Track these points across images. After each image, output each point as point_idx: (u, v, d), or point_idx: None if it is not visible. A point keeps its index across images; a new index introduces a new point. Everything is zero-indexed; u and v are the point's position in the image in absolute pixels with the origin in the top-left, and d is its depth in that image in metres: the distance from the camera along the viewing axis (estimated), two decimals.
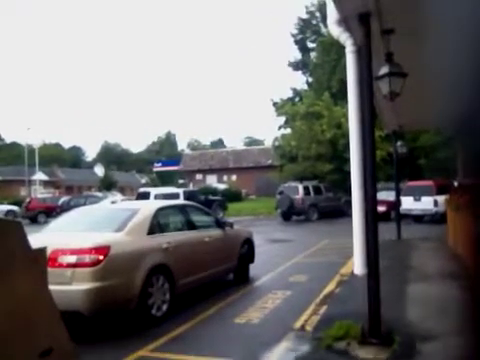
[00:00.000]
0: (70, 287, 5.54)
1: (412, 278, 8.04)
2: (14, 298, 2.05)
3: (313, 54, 42.92)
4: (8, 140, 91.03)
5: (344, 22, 5.98)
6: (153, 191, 25.01)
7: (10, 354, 2.00)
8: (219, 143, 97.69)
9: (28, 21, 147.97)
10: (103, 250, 5.77)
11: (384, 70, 5.96)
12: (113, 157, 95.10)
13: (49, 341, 2.20)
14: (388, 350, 4.60)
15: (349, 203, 7.83)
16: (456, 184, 16.74)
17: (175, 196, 23.24)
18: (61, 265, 5.62)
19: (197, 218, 8.39)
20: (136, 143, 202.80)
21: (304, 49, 44.67)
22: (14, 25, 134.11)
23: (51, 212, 29.63)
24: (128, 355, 5.11)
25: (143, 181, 72.61)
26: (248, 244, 9.46)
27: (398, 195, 15.17)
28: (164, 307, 6.53)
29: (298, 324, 5.99)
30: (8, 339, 1.99)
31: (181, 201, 17.42)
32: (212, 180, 50.56)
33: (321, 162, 28.74)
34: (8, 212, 30.88)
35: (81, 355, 2.42)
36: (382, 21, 5.57)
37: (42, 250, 2.41)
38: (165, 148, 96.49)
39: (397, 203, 15.07)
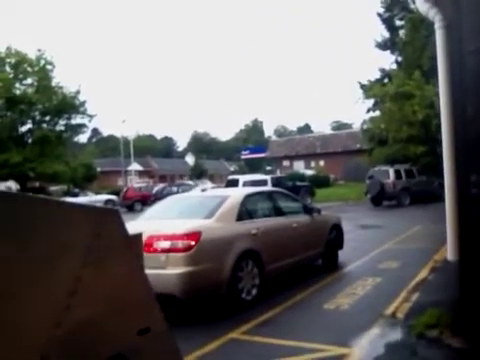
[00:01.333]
0: (165, 271, 5.83)
1: None
2: (113, 281, 2.23)
3: (402, 32, 41.03)
4: (105, 133, 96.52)
5: None
6: (241, 178, 25.36)
7: (110, 332, 2.19)
8: (306, 128, 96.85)
9: (124, 18, 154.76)
10: (195, 236, 6.02)
11: (477, 44, 5.61)
12: (202, 146, 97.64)
13: (146, 321, 2.37)
14: None
15: (443, 186, 7.46)
16: None
17: (263, 183, 23.43)
18: (156, 250, 5.93)
19: (284, 204, 8.45)
20: (224, 131, 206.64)
21: (392, 28, 42.78)
22: (109, 21, 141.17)
23: (146, 200, 31.04)
24: (220, 337, 5.31)
25: (231, 169, 73.86)
26: (336, 230, 9.38)
27: None
28: (254, 291, 6.68)
29: (389, 311, 5.89)
30: (108, 318, 2.18)
31: (268, 187, 17.56)
32: (299, 166, 50.28)
33: (413, 144, 27.49)
34: (107, 201, 32.76)
35: (176, 335, 2.59)
36: None
37: (138, 236, 2.59)
38: (252, 135, 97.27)
39: None
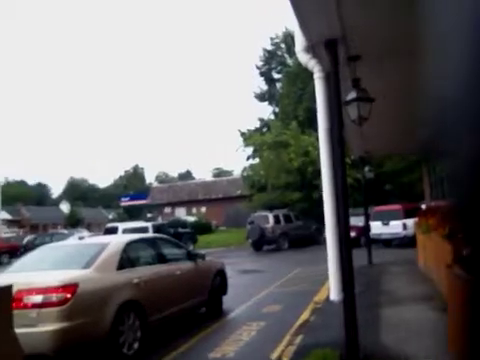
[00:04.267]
0: (35, 329, 5.28)
1: (386, 302, 8.02)
2: None
3: (279, 85, 43.64)
4: None
5: (312, 49, 6.09)
6: (121, 226, 24.56)
7: None
8: (187, 175, 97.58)
9: None
10: (71, 288, 5.56)
11: (352, 95, 6.06)
12: (79, 193, 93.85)
13: None
14: None
15: (319, 230, 7.85)
16: (424, 207, 17.03)
17: (144, 230, 22.85)
18: (26, 306, 5.37)
19: (168, 251, 8.24)
20: (103, 178, 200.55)
21: (270, 80, 45.37)
22: None
23: (15, 252, 28.70)
24: None
25: (110, 216, 71.59)
26: (220, 276, 9.31)
27: (367, 220, 15.29)
28: (135, 345, 6.30)
29: (275, 355, 5.85)
30: None
31: (151, 234, 17.14)
32: (181, 213, 50.14)
33: (290, 191, 28.90)
34: None
35: None
36: (348, 47, 5.69)
37: (7, 289, 2.27)
38: (133, 182, 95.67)
39: (367, 228, 15.17)
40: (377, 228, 19.70)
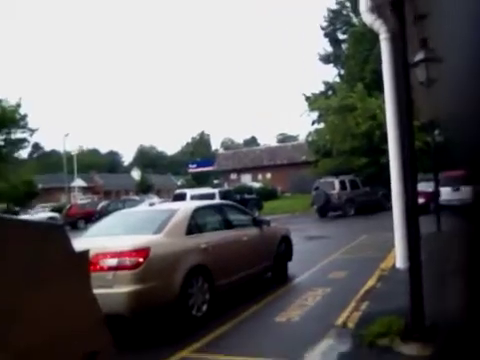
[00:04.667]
0: (112, 290, 5.61)
1: (454, 270, 7.82)
2: (58, 302, 2.08)
3: (344, 46, 42.31)
4: (47, 148, 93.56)
5: (377, 9, 5.86)
6: (189, 192, 25.20)
7: (56, 358, 2.03)
8: (252, 141, 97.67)
9: (66, 27, 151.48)
10: (143, 252, 5.83)
11: (420, 56, 5.81)
12: (149, 160, 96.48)
13: (93, 344, 2.22)
14: (432, 345, 4.49)
15: (386, 196, 7.69)
16: None
17: (211, 196, 23.35)
18: (102, 268, 5.70)
19: (234, 217, 8.39)
20: (171, 145, 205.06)
21: (335, 41, 44.06)
22: (50, 31, 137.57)
23: (90, 217, 30.21)
24: (170, 356, 5.15)
25: (179, 183, 73.31)
26: (286, 242, 9.41)
27: (437, 186, 14.77)
28: (204, 307, 6.55)
29: (339, 321, 5.91)
30: (53, 342, 2.02)
31: (218, 200, 17.48)
32: (247, 179, 50.51)
33: (356, 156, 28.27)
34: (49, 219, 31.66)
35: (124, 357, 2.45)
36: (416, 6, 5.43)
37: (85, 253, 2.44)
38: (199, 149, 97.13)
39: (436, 194, 14.68)
40: (447, 194, 19.00)
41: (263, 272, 8.73)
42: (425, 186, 19.70)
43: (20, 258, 1.87)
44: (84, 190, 59.81)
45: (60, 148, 54.33)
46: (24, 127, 33.19)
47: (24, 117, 32.86)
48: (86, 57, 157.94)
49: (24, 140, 34.34)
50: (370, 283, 7.87)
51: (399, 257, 7.45)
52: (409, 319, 4.71)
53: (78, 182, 53.18)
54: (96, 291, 3.09)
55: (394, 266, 8.16)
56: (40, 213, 34.77)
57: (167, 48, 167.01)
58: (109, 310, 5.05)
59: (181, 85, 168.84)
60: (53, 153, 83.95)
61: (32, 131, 33.92)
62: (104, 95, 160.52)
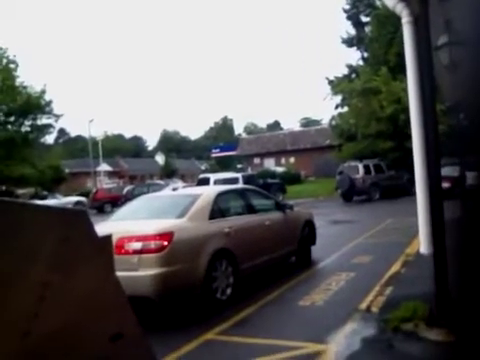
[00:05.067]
0: (137, 273, 5.71)
1: None
2: (83, 286, 2.13)
3: (367, 28, 41.55)
4: (72, 134, 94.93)
5: None
6: (213, 177, 25.27)
7: (81, 340, 2.09)
8: (275, 125, 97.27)
9: (88, 15, 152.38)
10: (167, 236, 5.91)
11: (443, 39, 5.67)
12: (173, 145, 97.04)
13: (119, 326, 2.27)
14: (458, 331, 4.46)
15: (412, 181, 7.56)
16: None
17: (234, 181, 23.38)
18: (127, 252, 5.80)
19: (257, 202, 8.41)
20: (194, 130, 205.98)
21: (358, 24, 43.27)
22: (75, 17, 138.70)
23: (116, 201, 30.64)
24: (195, 339, 5.22)
25: (202, 167, 73.65)
26: (309, 226, 9.40)
27: (463, 170, 14.51)
28: (228, 291, 6.61)
29: (364, 305, 5.91)
30: (79, 325, 2.07)
31: (241, 185, 17.52)
32: (270, 163, 50.44)
33: (381, 139, 27.89)
34: (77, 203, 32.22)
35: (151, 339, 2.50)
36: None
37: (108, 237, 2.48)
38: (222, 133, 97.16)
39: (462, 178, 14.43)
40: (473, 178, 18.65)
41: (287, 256, 8.75)
42: (450, 171, 19.33)
43: (44, 243, 1.91)
44: (110, 174, 60.56)
45: (85, 133, 54.96)
46: (49, 113, 33.66)
47: (49, 103, 33.31)
48: (110, 43, 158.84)
49: (50, 126, 34.86)
50: (395, 268, 7.83)
51: (423, 242, 7.38)
52: (434, 305, 4.68)
53: (104, 167, 53.88)
54: (122, 274, 3.15)
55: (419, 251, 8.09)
56: (68, 197, 35.38)
57: (191, 32, 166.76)
58: (135, 293, 5.16)
59: (204, 70, 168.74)
60: (79, 138, 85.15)
61: (57, 117, 34.38)
62: (128, 80, 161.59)
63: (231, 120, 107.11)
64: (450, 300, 4.60)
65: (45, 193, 36.43)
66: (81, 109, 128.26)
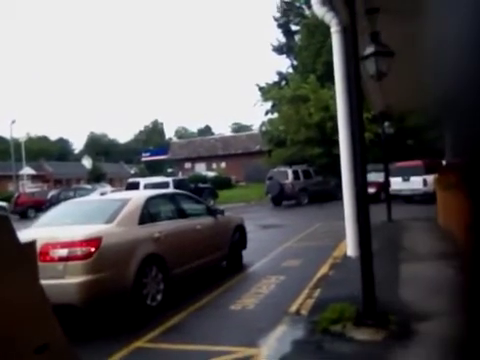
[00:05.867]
0: (63, 281, 5.49)
1: (405, 259, 8.09)
2: (4, 294, 2.00)
3: (297, 37, 42.67)
4: None
5: (329, 1, 5.92)
6: (142, 181, 24.86)
7: (5, 352, 1.96)
8: (207, 130, 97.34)
9: (12, 13, 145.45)
10: (95, 242, 5.72)
11: (370, 49, 5.92)
12: (100, 148, 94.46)
13: (44, 337, 2.16)
14: (384, 331, 4.63)
15: (339, 186, 7.85)
16: (444, 163, 16.83)
17: (164, 185, 23.11)
18: (53, 259, 5.56)
19: (188, 206, 8.36)
20: (123, 133, 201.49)
21: (288, 32, 44.36)
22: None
23: (40, 206, 29.36)
24: (125, 347, 5.08)
25: (132, 171, 72.27)
26: (240, 231, 9.45)
27: (387, 176, 15.19)
28: (159, 297, 6.50)
29: (293, 308, 6.01)
30: (2, 338, 1.94)
31: (171, 190, 17.34)
32: (201, 168, 50.38)
33: (310, 146, 28.67)
34: None
35: (76, 349, 2.39)
36: (367, 0, 5.52)
37: (31, 244, 2.36)
38: (153, 137, 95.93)
39: (386, 184, 15.10)
40: (397, 184, 19.58)
41: (218, 261, 8.74)
42: (376, 176, 20.24)
43: None
44: (33, 178, 57.95)
45: (7, 135, 52.34)
46: None
47: None
48: (34, 39, 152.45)
49: None
50: (323, 271, 8.03)
51: (350, 245, 7.65)
52: (361, 305, 4.83)
53: (27, 170, 51.43)
54: (47, 282, 3.00)
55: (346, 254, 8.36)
56: None
57: (122, 32, 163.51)
58: (61, 301, 4.95)
59: (135, 71, 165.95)
60: (0, 140, 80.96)
61: None
62: (54, 79, 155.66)
63: (162, 124, 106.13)
64: (376, 300, 4.77)
65: None
66: (2, 109, 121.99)
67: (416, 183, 19.47)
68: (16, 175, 46.02)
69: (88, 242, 5.69)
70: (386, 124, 16.61)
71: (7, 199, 34.94)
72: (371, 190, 18.81)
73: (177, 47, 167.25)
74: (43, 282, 2.41)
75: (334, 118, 7.25)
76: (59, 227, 6.52)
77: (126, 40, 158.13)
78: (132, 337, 5.35)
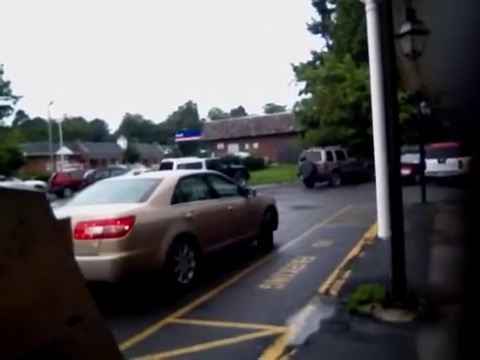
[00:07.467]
0: (97, 257, 5.64)
1: (437, 241, 7.97)
2: (40, 269, 2.10)
3: (333, 16, 41.87)
4: (32, 116, 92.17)
5: None
6: (176, 161, 25.10)
7: (40, 323, 2.06)
8: (240, 111, 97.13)
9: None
10: (128, 220, 5.85)
11: (406, 28, 5.78)
12: (135, 129, 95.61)
13: (77, 310, 2.25)
14: (412, 313, 4.61)
15: (372, 167, 7.76)
16: None
17: (197, 166, 23.30)
18: (88, 236, 5.71)
19: (220, 186, 8.41)
20: (157, 114, 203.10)
21: (323, 11, 43.57)
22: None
23: (76, 186, 29.96)
24: (156, 322, 5.21)
25: (166, 152, 72.97)
26: (271, 211, 9.47)
27: (423, 157, 14.90)
28: (190, 275, 6.62)
29: (323, 289, 6.03)
30: (37, 309, 2.04)
31: (203, 170, 17.47)
32: (234, 149, 50.45)
33: (344, 126, 28.30)
34: (36, 187, 31.38)
35: (111, 323, 2.48)
36: None
37: (66, 220, 2.45)
38: (186, 118, 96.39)
39: (422, 165, 14.82)
40: (432, 166, 19.17)
41: (249, 241, 8.81)
42: (411, 158, 19.86)
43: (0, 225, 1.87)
44: (70, 158, 59.15)
45: (45, 116, 53.42)
46: (7, 94, 32.65)
47: (7, 84, 32.37)
48: (72, 23, 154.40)
49: (8, 107, 33.86)
50: (354, 252, 8.00)
51: (381, 227, 7.59)
52: (391, 287, 4.82)
53: (64, 150, 52.55)
54: (82, 259, 3.11)
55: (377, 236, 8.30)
56: (26, 181, 34.44)
57: (157, 15, 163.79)
58: (95, 277, 5.10)
59: (169, 53, 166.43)
60: (38, 121, 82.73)
61: (16, 98, 33.45)
62: (90, 62, 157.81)
63: (195, 105, 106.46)
64: (405, 283, 4.74)
65: (1, 177, 35.36)
66: (41, 91, 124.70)
67: (452, 165, 18.99)
68: (53, 155, 47.08)
69: (122, 220, 5.82)
70: (422, 104, 16.22)
71: (45, 178, 35.89)
72: (405, 172, 18.47)
73: (212, 27, 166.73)
74: (78, 258, 2.51)
75: (370, 98, 7.13)
76: (94, 206, 6.68)
77: (162, 21, 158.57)
78: (163, 313, 5.48)
